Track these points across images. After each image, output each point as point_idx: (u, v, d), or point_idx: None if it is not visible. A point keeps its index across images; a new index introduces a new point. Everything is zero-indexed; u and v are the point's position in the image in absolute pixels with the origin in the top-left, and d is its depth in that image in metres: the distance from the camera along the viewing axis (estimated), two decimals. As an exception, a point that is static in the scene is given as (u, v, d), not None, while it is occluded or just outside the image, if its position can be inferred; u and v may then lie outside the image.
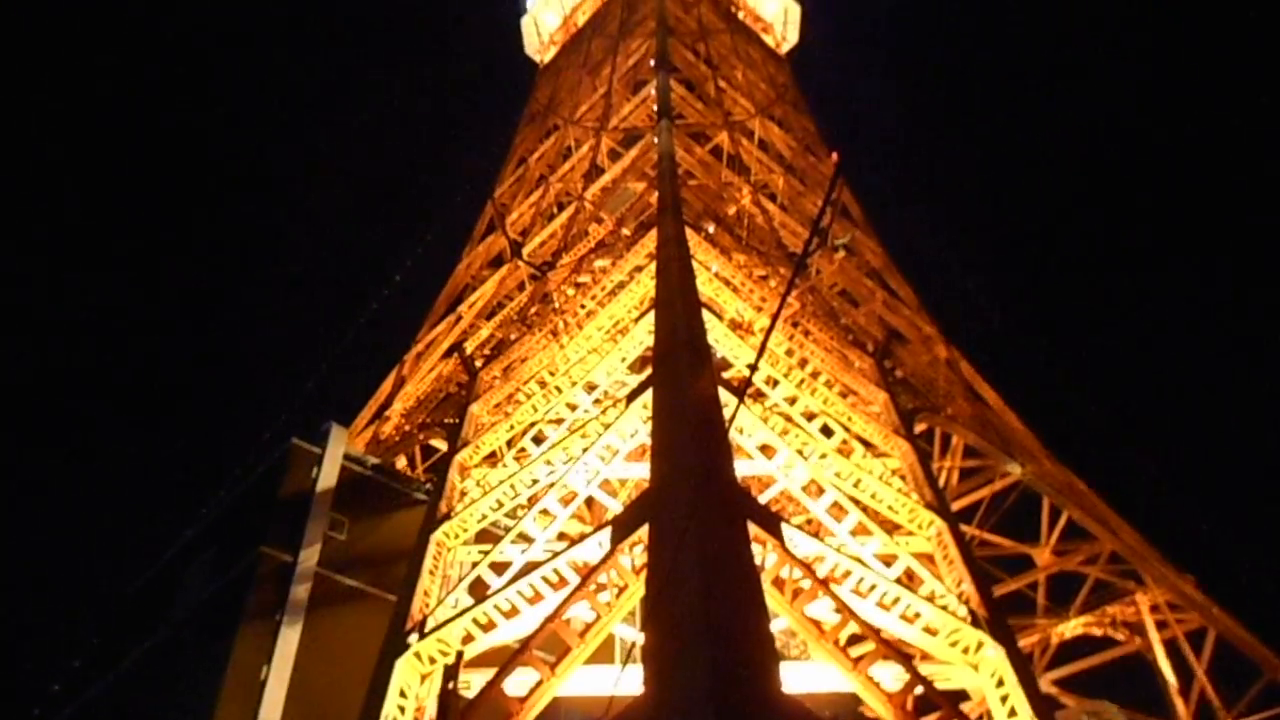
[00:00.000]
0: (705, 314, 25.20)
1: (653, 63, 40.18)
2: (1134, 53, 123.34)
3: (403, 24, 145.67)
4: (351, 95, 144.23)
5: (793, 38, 53.88)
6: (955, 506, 26.33)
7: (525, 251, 35.30)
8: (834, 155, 40.99)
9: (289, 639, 20.72)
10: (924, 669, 17.15)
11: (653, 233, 28.68)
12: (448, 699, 15.75)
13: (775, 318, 11.41)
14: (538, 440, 25.76)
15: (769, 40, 52.19)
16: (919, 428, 26.65)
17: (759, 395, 25.31)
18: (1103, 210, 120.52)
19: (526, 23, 54.23)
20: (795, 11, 53.76)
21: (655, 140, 34.37)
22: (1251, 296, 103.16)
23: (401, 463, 28.61)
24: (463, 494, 23.25)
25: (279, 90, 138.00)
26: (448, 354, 32.49)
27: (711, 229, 32.23)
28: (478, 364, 29.99)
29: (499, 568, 21.13)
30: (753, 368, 22.44)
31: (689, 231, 28.80)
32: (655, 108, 36.90)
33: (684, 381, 19.97)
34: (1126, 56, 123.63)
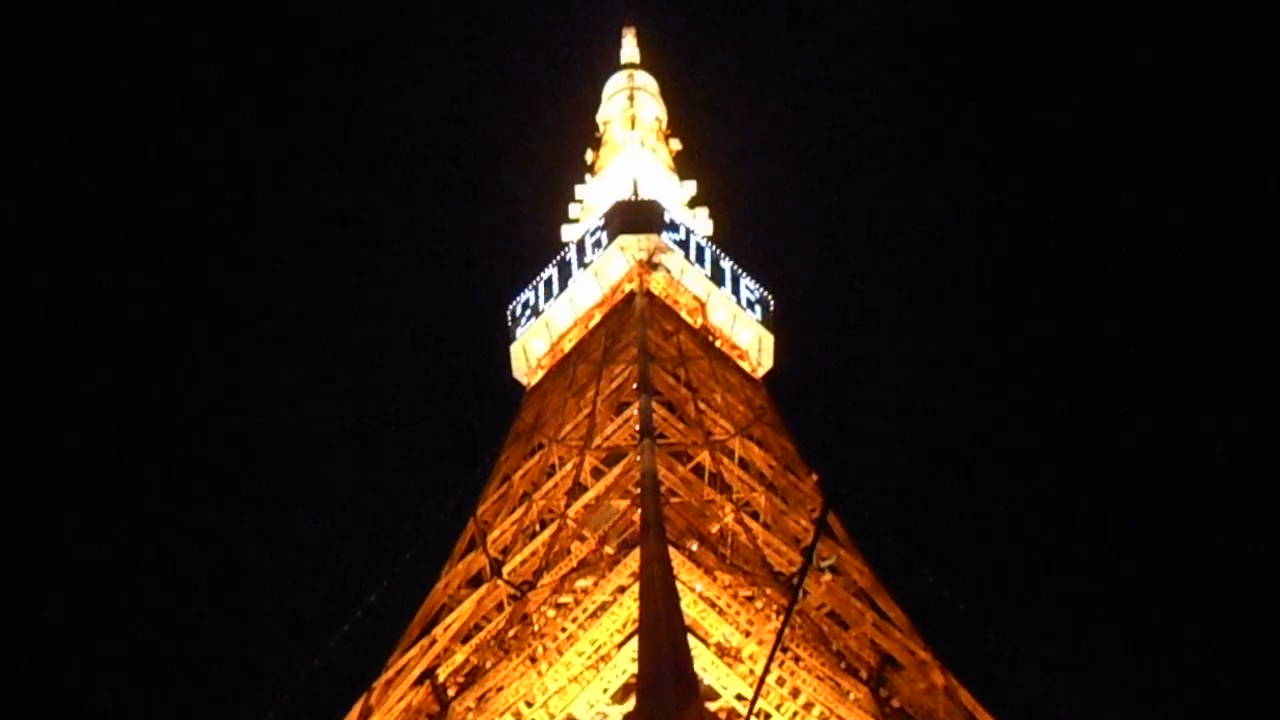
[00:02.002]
0: (691, 639, 23.24)
1: (635, 386, 40.23)
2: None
3: (393, 346, 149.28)
4: (341, 406, 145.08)
5: (767, 363, 54.74)
6: None
7: (506, 570, 33.51)
8: (814, 475, 40.31)
9: None
10: None
11: (636, 552, 27.27)
12: None
13: (770, 659, 9.63)
14: (510, 783, 22.75)
15: (745, 365, 52.96)
16: (923, 766, 23.80)
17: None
18: (1098, 506, 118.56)
19: (515, 349, 55.08)
20: (769, 340, 54.92)
21: (638, 458, 33.58)
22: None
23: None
24: None
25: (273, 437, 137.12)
26: (419, 681, 29.79)
27: (695, 547, 30.91)
28: (450, 693, 27.38)
29: None
30: (751, 703, 20.08)
31: (672, 551, 27.43)
32: (638, 428, 36.51)
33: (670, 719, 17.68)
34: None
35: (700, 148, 71.16)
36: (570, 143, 70.67)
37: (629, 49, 72.82)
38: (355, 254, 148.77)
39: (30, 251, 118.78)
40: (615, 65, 71.85)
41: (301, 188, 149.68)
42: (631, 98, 67.72)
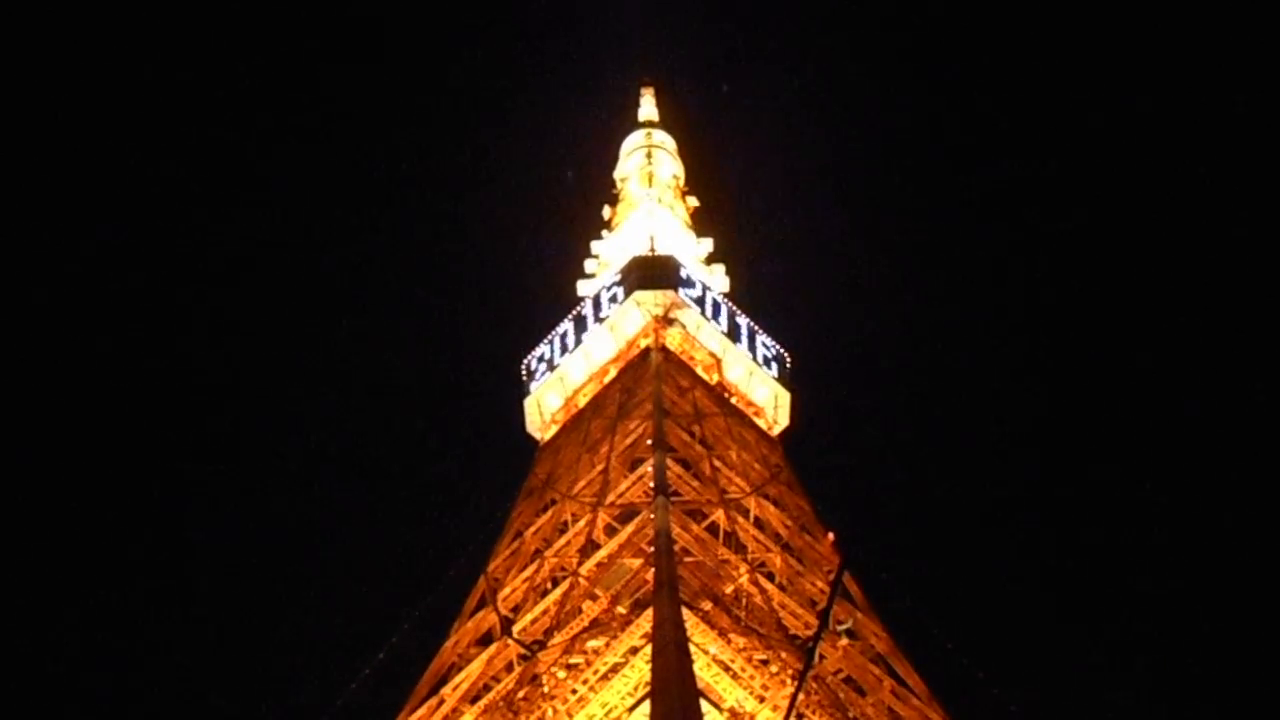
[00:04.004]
0: (704, 704, 22.78)
1: (650, 442, 39.91)
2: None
3: (406, 400, 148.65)
4: (352, 458, 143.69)
5: (783, 421, 54.36)
6: None
7: (516, 629, 33.06)
8: (830, 536, 39.78)
9: None
10: None
11: (649, 612, 27.09)
12: None
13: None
14: None
15: (761, 423, 52.59)
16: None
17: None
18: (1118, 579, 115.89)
19: (530, 403, 54.84)
20: (785, 397, 54.58)
21: (652, 516, 33.30)
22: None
23: None
24: None
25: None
26: (426, 743, 29.15)
27: (709, 608, 30.67)
28: (457, 756, 26.71)
29: None
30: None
31: (686, 612, 27.20)
32: (652, 485, 36.12)
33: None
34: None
35: (717, 205, 71.55)
36: (588, 199, 71.28)
37: (647, 108, 73.62)
38: (371, 307, 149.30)
39: (41, 263, 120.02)
40: (633, 123, 72.53)
41: (317, 240, 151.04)
42: (649, 155, 68.22)
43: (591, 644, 29.53)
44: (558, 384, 54.22)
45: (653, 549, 31.28)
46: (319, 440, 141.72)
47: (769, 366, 54.49)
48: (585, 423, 48.12)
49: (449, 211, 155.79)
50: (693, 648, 25.19)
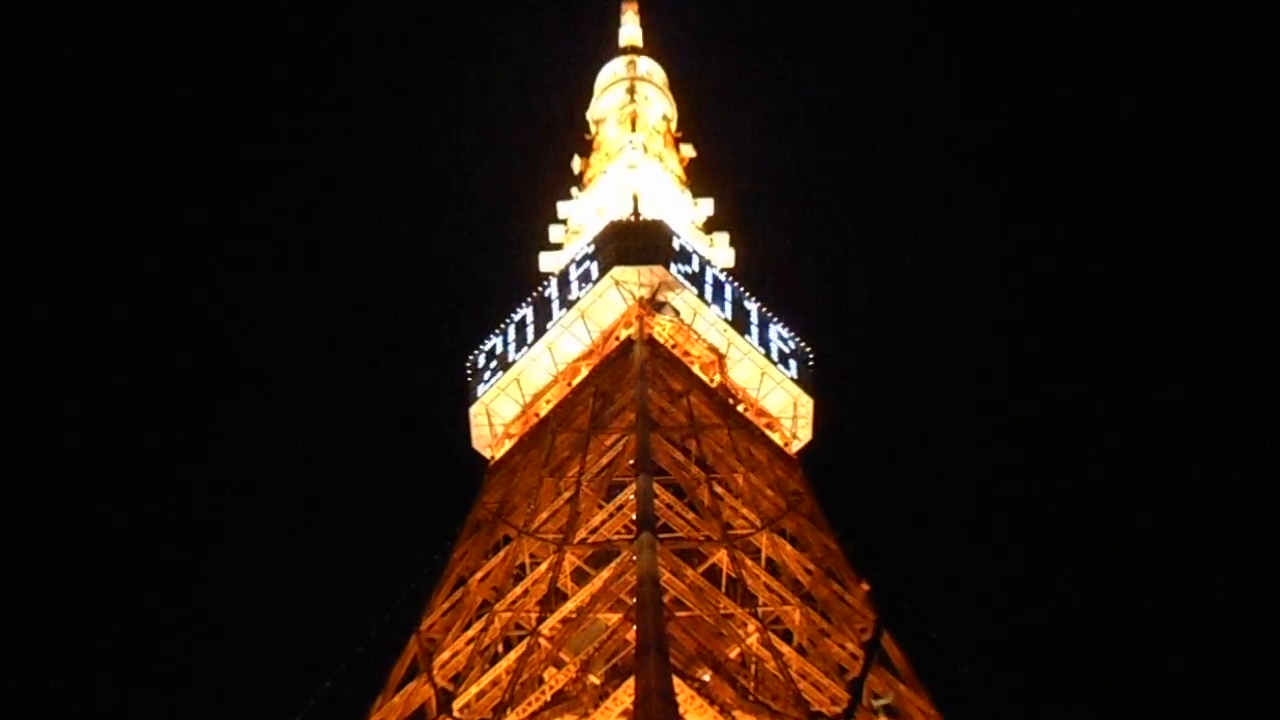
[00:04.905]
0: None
1: (632, 463, 40.31)
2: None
3: (319, 405, 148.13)
4: (248, 483, 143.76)
5: (804, 435, 54.61)
6: None
7: (457, 705, 33.58)
8: (864, 585, 40.14)
9: None
10: None
11: (629, 683, 27.72)
12: None
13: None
14: None
15: (776, 438, 52.92)
16: None
17: None
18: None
19: (476, 412, 55.02)
20: (807, 405, 54.73)
21: (634, 559, 33.58)
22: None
23: None
24: None
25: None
26: None
27: (707, 678, 31.32)
28: None
29: None
30: None
31: (677, 682, 27.83)
32: (634, 518, 36.59)
33: None
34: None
35: (720, 156, 71.84)
36: (553, 147, 71.42)
37: (630, 30, 73.89)
38: (274, 286, 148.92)
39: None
40: (613, 50, 72.84)
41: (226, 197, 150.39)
42: (632, 91, 68.52)
43: (555, 724, 29.78)
44: (513, 387, 54.50)
45: (635, 601, 31.56)
46: (215, 454, 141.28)
47: (786, 365, 54.86)
48: (549, 437, 48.41)
49: (378, 164, 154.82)
50: (686, 729, 25.42)
